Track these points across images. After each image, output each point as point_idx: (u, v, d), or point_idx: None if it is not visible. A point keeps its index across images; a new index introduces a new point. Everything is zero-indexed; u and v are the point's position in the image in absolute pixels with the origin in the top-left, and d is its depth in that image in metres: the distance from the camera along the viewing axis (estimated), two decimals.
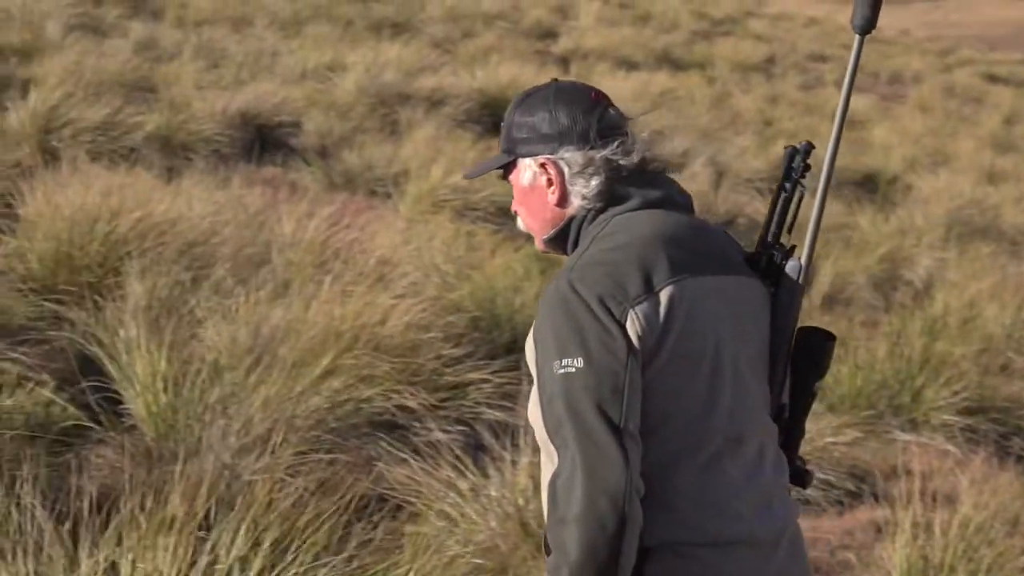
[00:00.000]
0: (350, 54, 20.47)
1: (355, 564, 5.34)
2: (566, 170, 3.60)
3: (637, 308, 3.33)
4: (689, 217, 3.66)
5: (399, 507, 6.38)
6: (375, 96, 17.55)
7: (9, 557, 4.92)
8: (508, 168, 3.74)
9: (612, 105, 3.67)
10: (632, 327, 3.31)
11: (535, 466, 6.21)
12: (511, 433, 6.79)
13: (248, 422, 6.42)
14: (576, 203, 3.61)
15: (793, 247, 3.69)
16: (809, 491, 7.84)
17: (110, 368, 7.10)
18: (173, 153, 13.40)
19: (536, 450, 4.08)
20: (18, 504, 5.10)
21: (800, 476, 3.80)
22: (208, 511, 5.28)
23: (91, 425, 6.75)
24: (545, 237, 3.73)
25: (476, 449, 7.03)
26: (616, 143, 3.56)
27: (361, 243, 9.95)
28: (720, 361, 3.46)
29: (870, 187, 19.08)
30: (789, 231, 3.70)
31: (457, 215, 12.38)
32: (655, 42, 31.23)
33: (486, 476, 6.46)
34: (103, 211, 8.80)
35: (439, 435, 7.12)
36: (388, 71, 19.14)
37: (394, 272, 9.01)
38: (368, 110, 16.96)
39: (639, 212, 3.56)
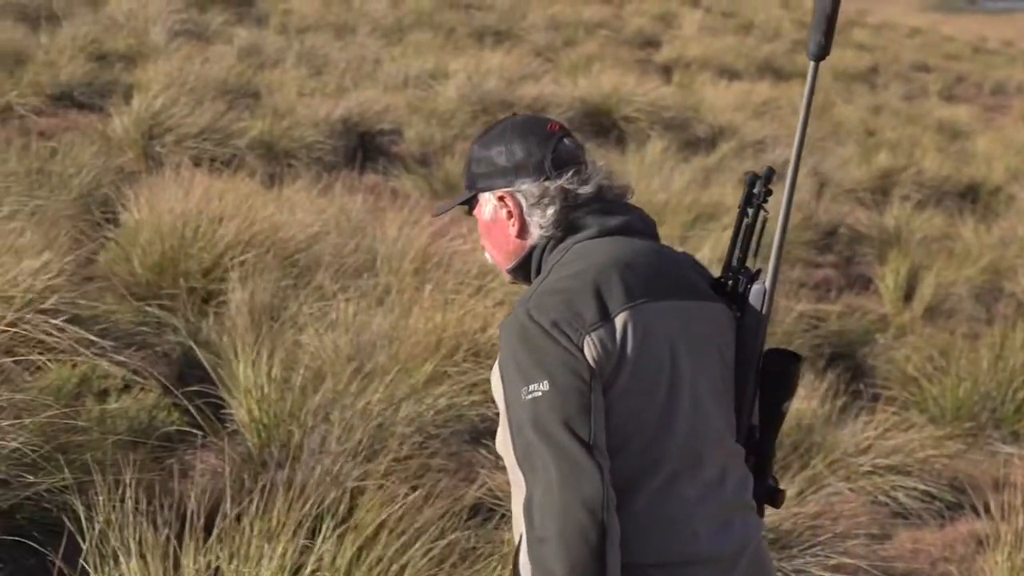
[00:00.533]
0: (452, 62, 20.46)
1: (459, 573, 5.32)
2: (523, 202, 3.67)
3: (593, 334, 3.38)
4: (650, 243, 3.70)
5: (503, 516, 6.31)
6: (477, 104, 17.54)
7: (112, 562, 4.94)
8: (472, 204, 3.81)
9: (569, 136, 3.73)
10: (589, 352, 3.36)
11: None
12: None
13: (349, 429, 6.39)
14: (536, 233, 3.67)
15: (759, 271, 3.71)
16: (910, 503, 7.87)
17: (213, 374, 7.09)
18: (275, 159, 13.48)
19: None
20: (122, 508, 5.09)
21: (772, 495, 3.85)
22: (312, 518, 5.25)
23: (194, 430, 6.76)
24: (509, 268, 3.80)
25: None
26: (571, 172, 3.63)
27: (462, 252, 9.91)
28: (677, 384, 3.51)
29: (972, 198, 18.85)
30: (755, 256, 3.72)
31: None
32: (757, 51, 31.04)
33: None
34: (206, 217, 8.86)
35: None
36: (490, 79, 19.07)
37: (494, 280, 8.96)
38: (469, 118, 16.95)
39: (597, 240, 3.61)
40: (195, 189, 9.38)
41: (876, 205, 17.01)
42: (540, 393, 3.32)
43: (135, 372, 7.20)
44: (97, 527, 4.99)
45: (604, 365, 3.38)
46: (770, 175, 3.69)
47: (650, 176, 14.53)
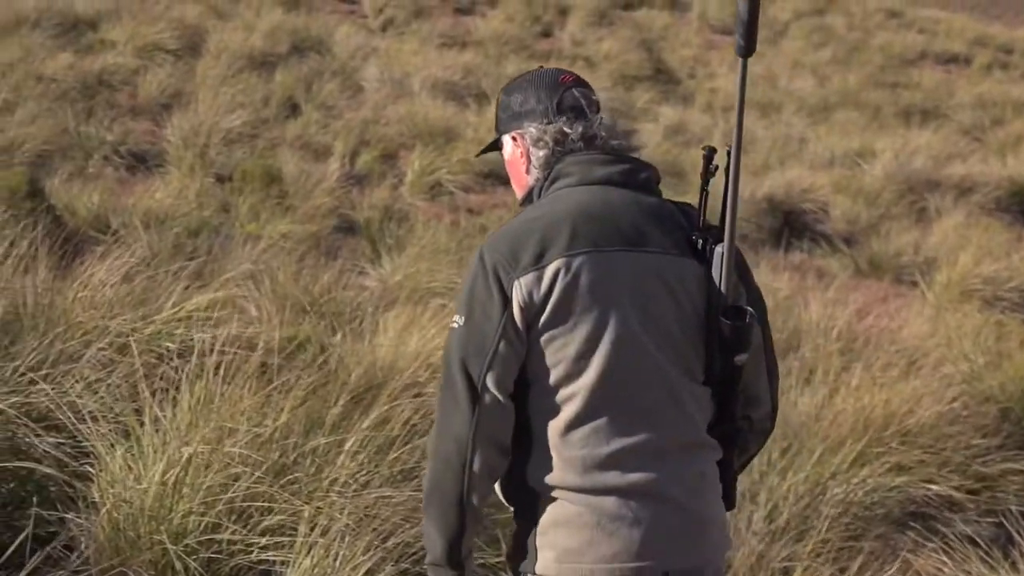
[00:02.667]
0: (878, 140, 20.19)
1: None
2: (529, 143, 3.99)
3: (522, 279, 3.69)
4: (631, 195, 3.91)
5: None
6: (903, 183, 17.27)
7: None
8: (499, 145, 4.17)
9: (581, 87, 4.06)
10: (516, 295, 3.69)
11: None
12: None
13: (775, 508, 6.39)
14: (534, 173, 4.00)
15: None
16: None
17: None
18: None
19: None
20: None
21: (730, 436, 4.01)
22: None
23: None
24: (519, 202, 4.10)
25: (1007, 543, 6.79)
26: (570, 118, 3.95)
27: (889, 331, 9.79)
28: (615, 327, 3.74)
29: None
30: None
31: (986, 304, 12.06)
32: None
33: (1016, 571, 6.15)
34: None
35: (968, 527, 6.94)
36: (917, 158, 18.74)
37: (923, 360, 8.83)
38: (896, 197, 16.70)
39: (575, 188, 3.88)
40: None
41: None
42: (456, 326, 3.78)
43: None
44: None
45: (529, 306, 3.70)
46: (711, 153, 3.85)
47: None
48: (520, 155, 4.03)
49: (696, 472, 3.85)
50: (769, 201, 15.14)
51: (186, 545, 5.26)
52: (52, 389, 6.10)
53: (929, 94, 27.73)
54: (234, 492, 5.39)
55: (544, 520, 3.80)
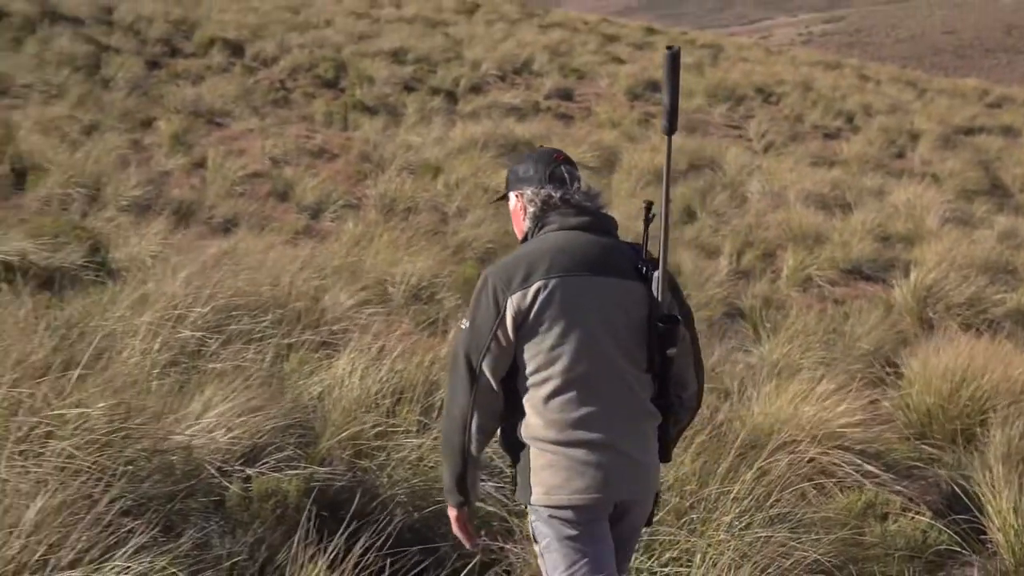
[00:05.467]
0: None
1: None
2: (526, 201, 4.58)
3: (513, 296, 4.32)
4: (596, 238, 4.49)
5: None
6: None
7: None
8: (506, 199, 4.75)
9: (568, 164, 4.63)
10: (509, 308, 4.31)
11: None
12: None
13: None
14: (527, 223, 4.59)
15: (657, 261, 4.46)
16: None
17: (973, 505, 6.88)
18: None
19: None
20: None
21: (665, 408, 4.53)
22: None
23: (959, 550, 6.60)
24: (520, 241, 4.66)
25: None
26: (556, 186, 4.53)
27: None
28: (579, 329, 4.33)
29: None
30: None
31: None
32: None
33: None
34: (970, 372, 8.61)
35: None
36: None
37: None
38: None
39: (555, 232, 4.48)
40: (961, 350, 9.14)
41: None
42: (464, 327, 4.45)
43: (910, 499, 7.11)
44: None
45: (518, 314, 4.32)
46: (649, 206, 4.44)
47: None
48: (519, 208, 4.66)
49: (640, 432, 4.48)
50: None
51: None
52: None
53: None
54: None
55: (534, 465, 4.41)
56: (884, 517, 6.77)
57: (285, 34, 26.20)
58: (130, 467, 5.15)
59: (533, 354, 4.37)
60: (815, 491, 6.70)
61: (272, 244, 11.22)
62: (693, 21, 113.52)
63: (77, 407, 5.23)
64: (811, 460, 6.91)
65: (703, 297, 12.24)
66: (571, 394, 4.36)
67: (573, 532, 4.41)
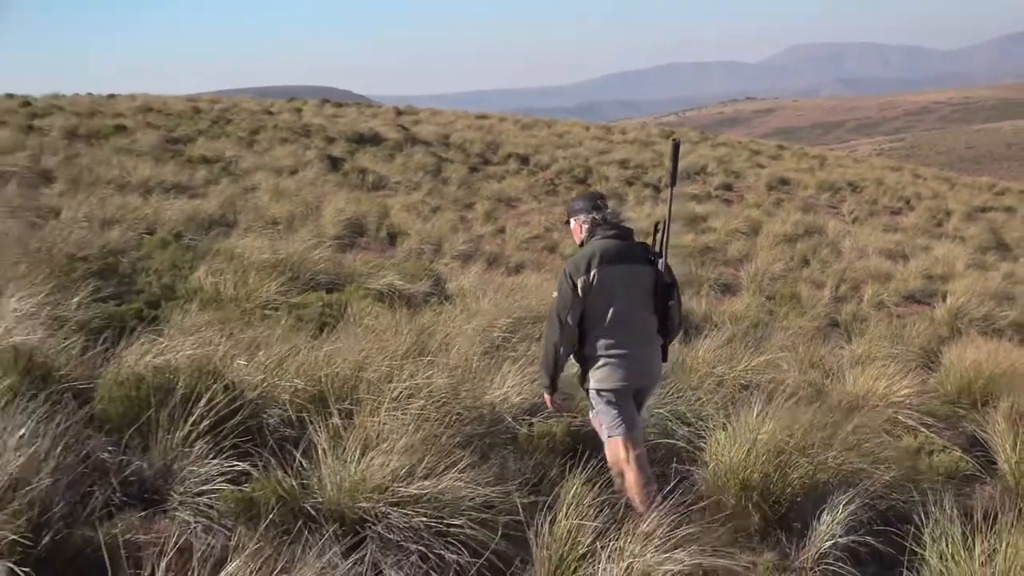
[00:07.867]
0: None
1: None
2: (581, 222, 4.85)
3: (580, 278, 4.64)
4: (623, 241, 4.76)
5: None
6: None
7: None
8: (569, 223, 4.96)
9: (602, 199, 4.86)
10: (580, 285, 4.63)
11: None
12: None
13: None
14: (582, 236, 4.86)
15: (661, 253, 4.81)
16: None
17: (990, 445, 6.56)
18: None
19: None
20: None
21: (665, 334, 4.87)
22: None
23: (979, 474, 6.24)
24: (579, 246, 4.88)
25: None
26: (599, 212, 4.80)
27: None
28: (616, 297, 4.67)
29: None
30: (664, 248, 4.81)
31: None
32: None
33: None
34: (985, 362, 8.22)
35: None
36: None
37: None
38: None
39: (600, 240, 4.76)
40: (980, 348, 8.86)
41: None
42: (555, 295, 4.70)
43: (947, 442, 6.85)
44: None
45: (585, 289, 4.63)
46: (657, 223, 4.82)
47: None
48: (576, 227, 4.90)
49: (651, 348, 4.83)
50: None
51: (749, 483, 5.01)
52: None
53: None
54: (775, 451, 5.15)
55: (592, 368, 4.74)
56: (931, 453, 6.59)
57: (553, 150, 26.56)
58: (459, 416, 5.12)
59: (591, 309, 4.67)
60: (887, 436, 6.45)
61: (545, 279, 11.38)
62: (807, 141, 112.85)
63: (428, 379, 5.23)
64: (886, 418, 6.80)
65: (813, 313, 12.06)
66: (612, 328, 4.69)
67: (613, 400, 4.72)
